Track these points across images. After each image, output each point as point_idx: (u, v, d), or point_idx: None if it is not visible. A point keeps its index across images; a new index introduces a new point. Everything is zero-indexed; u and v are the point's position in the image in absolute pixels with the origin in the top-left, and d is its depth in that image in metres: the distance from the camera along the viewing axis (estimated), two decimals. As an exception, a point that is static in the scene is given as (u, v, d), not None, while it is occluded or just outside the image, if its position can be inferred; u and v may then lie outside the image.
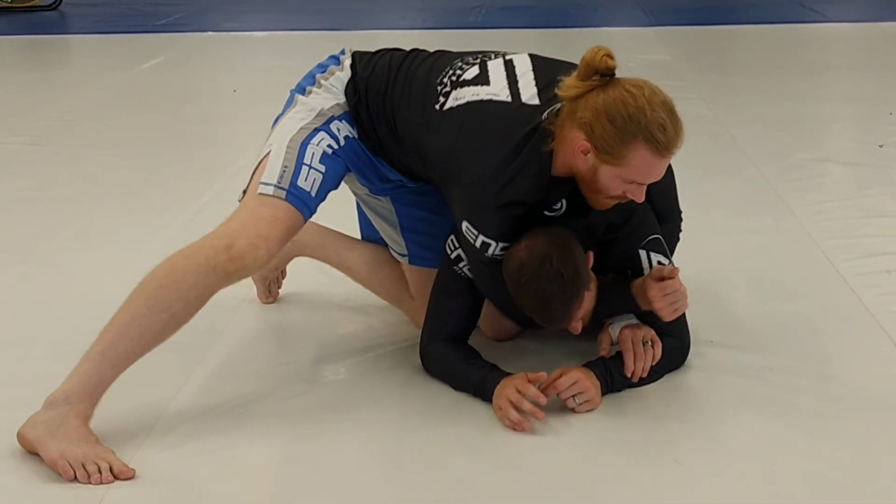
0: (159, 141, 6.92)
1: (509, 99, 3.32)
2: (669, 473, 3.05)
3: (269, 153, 3.44)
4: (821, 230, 4.89)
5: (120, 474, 2.97)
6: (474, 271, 3.49)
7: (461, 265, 3.54)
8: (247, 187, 3.45)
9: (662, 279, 3.34)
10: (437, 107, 3.40)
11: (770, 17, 11.88)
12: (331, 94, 3.56)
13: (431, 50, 3.65)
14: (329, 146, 3.46)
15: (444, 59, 3.57)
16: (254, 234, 3.23)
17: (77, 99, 8.14)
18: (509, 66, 3.43)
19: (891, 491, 2.93)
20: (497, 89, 3.35)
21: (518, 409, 3.23)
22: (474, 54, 3.54)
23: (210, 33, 11.52)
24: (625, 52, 9.69)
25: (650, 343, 3.46)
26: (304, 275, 4.27)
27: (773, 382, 3.52)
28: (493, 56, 3.51)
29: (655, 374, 3.49)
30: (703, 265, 3.78)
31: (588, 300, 3.35)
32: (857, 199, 5.32)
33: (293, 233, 3.38)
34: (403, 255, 3.80)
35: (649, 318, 3.53)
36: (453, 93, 3.40)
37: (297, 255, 4.12)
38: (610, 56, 3.15)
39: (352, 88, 3.55)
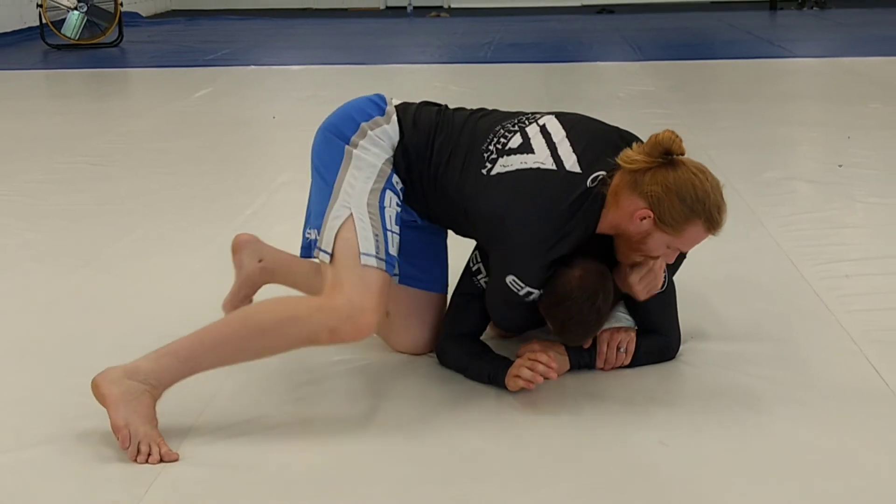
0: (208, 162, 6.94)
1: (554, 167, 3.28)
2: (655, 453, 3.04)
3: (350, 216, 3.27)
4: (788, 239, 4.89)
5: (165, 457, 2.97)
6: (498, 302, 3.46)
7: (479, 278, 3.54)
8: (332, 249, 3.26)
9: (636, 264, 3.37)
10: (485, 172, 3.34)
11: (744, 53, 11.88)
12: (380, 148, 3.43)
13: (470, 105, 3.60)
14: (397, 204, 3.40)
15: (485, 122, 3.50)
16: (362, 322, 3.14)
17: (136, 125, 8.15)
18: (545, 133, 3.38)
19: (853, 466, 2.92)
20: (542, 158, 3.31)
21: (531, 370, 3.29)
22: (511, 119, 3.49)
23: (253, 67, 11.53)
24: (616, 83, 9.74)
25: (624, 349, 3.52)
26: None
27: (748, 373, 3.52)
28: (528, 122, 3.45)
29: (634, 364, 3.54)
30: (687, 269, 3.77)
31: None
32: (821, 213, 5.31)
33: (386, 297, 3.28)
34: (395, 275, 3.55)
35: (644, 317, 3.58)
36: (500, 160, 3.35)
37: (266, 283, 3.88)
38: (681, 141, 3.18)
39: (401, 151, 3.44)
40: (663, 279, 3.41)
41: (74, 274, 4.64)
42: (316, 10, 18.86)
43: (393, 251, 3.29)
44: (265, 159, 7.02)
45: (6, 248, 5.04)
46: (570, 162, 3.29)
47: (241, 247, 3.93)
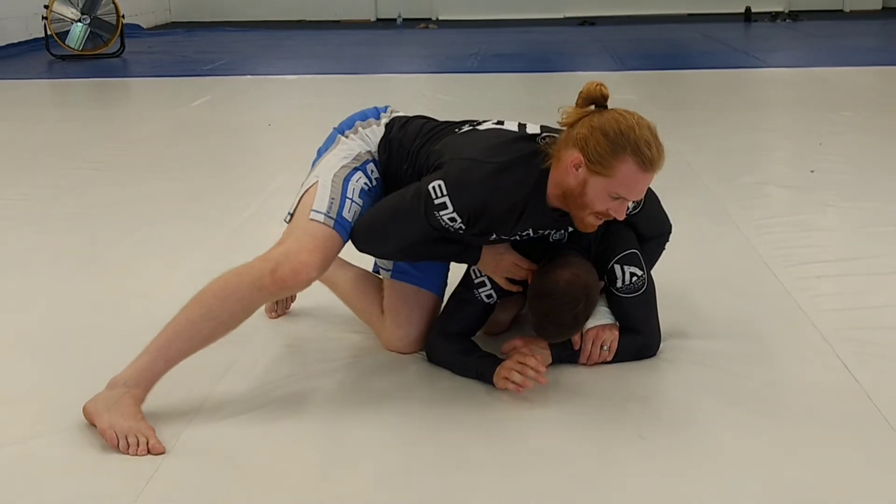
0: (206, 167, 6.93)
1: (516, 129, 3.37)
2: (634, 446, 3.04)
3: (316, 183, 3.41)
4: (762, 242, 4.89)
5: (153, 449, 3.00)
6: (390, 207, 3.34)
7: (480, 290, 3.55)
8: (294, 210, 3.43)
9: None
10: (455, 132, 3.44)
11: (720, 63, 11.89)
12: (365, 142, 3.54)
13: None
14: (365, 184, 3.45)
15: (462, 122, 3.56)
16: (296, 261, 3.20)
17: (137, 132, 8.14)
18: (519, 123, 3.45)
19: (823, 460, 2.93)
20: (509, 126, 3.40)
21: (521, 374, 3.29)
22: (491, 120, 3.55)
23: (249, 76, 11.52)
24: (597, 92, 9.72)
25: (607, 348, 3.53)
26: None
27: (724, 369, 3.52)
28: (506, 123, 3.51)
29: (617, 360, 3.56)
30: (666, 270, 3.78)
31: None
32: (793, 216, 5.32)
33: (333, 258, 3.34)
34: (388, 270, 3.71)
35: (625, 316, 3.59)
36: (473, 128, 3.44)
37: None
38: (604, 87, 3.20)
39: (384, 145, 3.54)
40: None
41: (78, 274, 4.65)
42: (309, 22, 18.84)
43: (347, 216, 3.34)
44: (261, 164, 7.02)
45: (15, 249, 5.05)
46: (532, 130, 3.37)
47: None
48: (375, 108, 3.66)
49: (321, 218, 3.30)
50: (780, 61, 11.90)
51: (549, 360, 3.48)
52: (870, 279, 4.38)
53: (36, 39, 13.80)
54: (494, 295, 3.55)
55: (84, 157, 7.11)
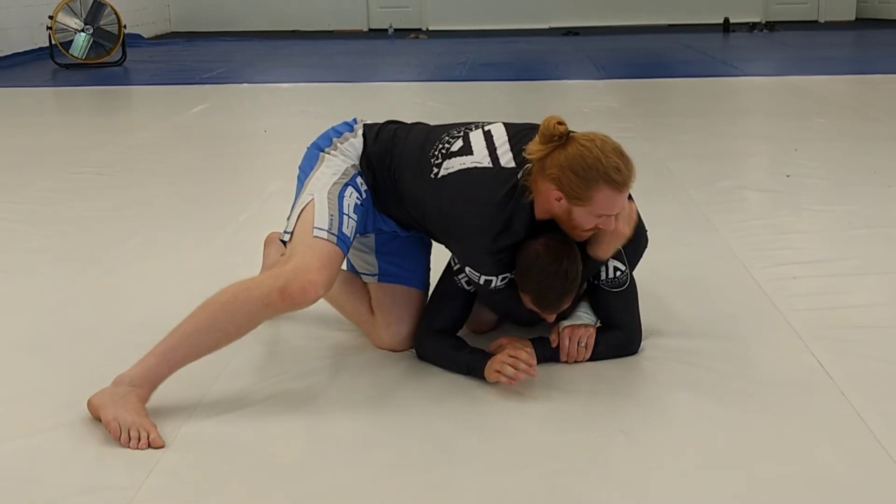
0: (204, 171, 6.92)
1: (490, 165, 3.34)
2: (616, 441, 3.05)
3: (312, 200, 3.39)
4: (740, 244, 4.90)
5: (153, 443, 3.00)
6: (480, 290, 3.51)
7: (460, 277, 3.55)
8: (293, 228, 3.38)
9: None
10: (433, 175, 3.41)
11: (699, 72, 11.91)
12: (347, 156, 3.54)
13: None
14: (357, 198, 3.45)
15: (434, 132, 3.57)
16: (305, 280, 3.17)
17: (138, 138, 8.13)
18: (488, 137, 3.45)
19: (798, 452, 2.94)
20: (479, 157, 3.37)
21: (514, 368, 3.31)
22: (458, 127, 3.55)
23: (246, 84, 11.51)
24: (581, 100, 9.75)
25: (584, 344, 3.55)
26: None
27: (703, 366, 3.53)
28: (473, 128, 3.52)
29: (596, 357, 3.57)
30: (648, 272, 3.78)
31: (572, 300, 3.41)
32: (770, 219, 5.32)
33: (337, 274, 3.34)
34: (374, 275, 3.73)
35: (607, 315, 3.61)
36: (444, 163, 3.41)
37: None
38: (560, 122, 3.22)
39: (365, 161, 3.55)
40: (635, 218, 3.43)
41: (81, 275, 4.64)
42: (304, 32, 18.82)
43: (347, 232, 3.35)
44: (257, 169, 7.02)
45: (20, 251, 5.04)
46: (506, 159, 3.35)
47: (271, 242, 4.08)
48: (344, 122, 3.68)
49: (324, 235, 3.29)
50: (757, 70, 11.91)
51: (535, 359, 3.49)
52: (843, 280, 4.39)
53: (41, 49, 13.78)
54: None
55: (87, 161, 7.10)
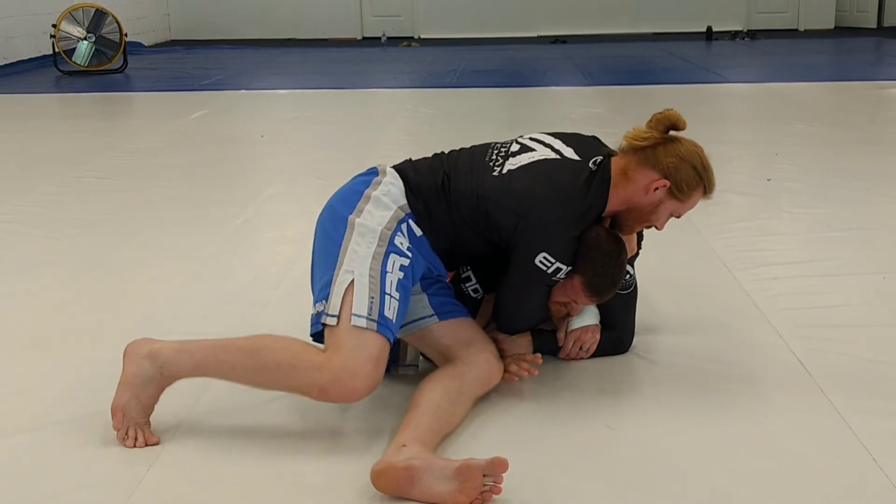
0: (204, 175, 6.92)
1: (558, 157, 3.30)
2: (602, 436, 3.06)
3: (353, 281, 3.05)
4: (722, 246, 4.92)
5: (148, 441, 3.00)
6: (520, 290, 3.33)
7: (467, 285, 3.54)
8: (339, 312, 3.01)
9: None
10: (496, 173, 3.27)
11: (683, 78, 11.91)
12: (384, 207, 3.25)
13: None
14: (402, 267, 3.14)
15: (479, 147, 3.45)
16: (349, 386, 2.91)
17: (139, 143, 8.12)
18: (536, 140, 3.41)
19: (779, 447, 2.96)
20: (544, 153, 3.32)
21: (517, 366, 3.35)
22: (502, 141, 3.46)
23: (243, 91, 11.49)
24: (568, 105, 9.74)
25: (585, 349, 3.56)
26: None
27: (686, 364, 3.55)
28: (519, 138, 3.45)
29: (592, 356, 3.60)
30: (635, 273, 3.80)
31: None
32: (751, 222, 5.34)
33: (384, 364, 3.00)
34: (431, 317, 3.36)
35: (606, 314, 3.61)
36: (506, 162, 3.30)
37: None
38: (682, 117, 3.32)
39: (413, 192, 3.29)
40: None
41: (84, 276, 4.64)
42: (299, 40, 18.80)
43: (389, 314, 3.03)
44: (254, 173, 7.01)
45: (25, 253, 5.04)
46: (569, 153, 3.32)
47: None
48: (364, 172, 3.42)
49: (363, 323, 2.97)
50: (739, 77, 11.92)
51: (531, 350, 3.51)
52: (822, 280, 4.40)
53: (44, 56, 13.76)
54: (481, 290, 3.56)
55: (89, 166, 7.10)
